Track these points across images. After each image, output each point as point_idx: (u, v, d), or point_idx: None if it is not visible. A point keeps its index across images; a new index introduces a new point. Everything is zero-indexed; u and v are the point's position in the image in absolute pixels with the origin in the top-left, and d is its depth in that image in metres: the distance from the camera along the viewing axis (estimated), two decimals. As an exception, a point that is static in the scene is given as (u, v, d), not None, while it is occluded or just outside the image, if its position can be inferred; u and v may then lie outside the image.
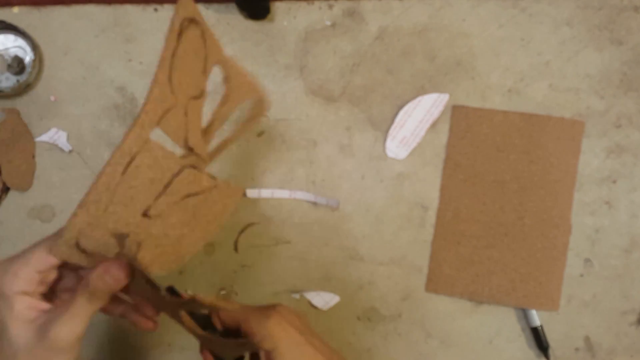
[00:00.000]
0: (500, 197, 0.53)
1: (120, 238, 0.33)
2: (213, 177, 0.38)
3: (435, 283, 0.54)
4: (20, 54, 0.54)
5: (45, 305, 0.34)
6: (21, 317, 0.33)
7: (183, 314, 0.37)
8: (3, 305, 0.33)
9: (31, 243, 0.54)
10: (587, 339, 0.54)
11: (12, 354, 0.33)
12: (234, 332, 0.38)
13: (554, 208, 0.53)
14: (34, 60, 0.53)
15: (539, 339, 0.53)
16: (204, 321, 0.39)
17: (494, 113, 0.53)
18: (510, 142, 0.53)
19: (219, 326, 0.39)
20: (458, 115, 0.54)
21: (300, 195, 0.51)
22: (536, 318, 0.52)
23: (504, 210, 0.53)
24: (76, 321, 0.33)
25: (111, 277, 0.33)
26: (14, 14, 0.55)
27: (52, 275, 0.36)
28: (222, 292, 0.54)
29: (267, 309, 0.38)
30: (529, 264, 0.53)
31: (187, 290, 0.41)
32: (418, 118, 0.54)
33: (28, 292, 0.34)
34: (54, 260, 0.34)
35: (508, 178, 0.53)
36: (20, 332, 0.33)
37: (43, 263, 0.34)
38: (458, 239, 0.53)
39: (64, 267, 0.36)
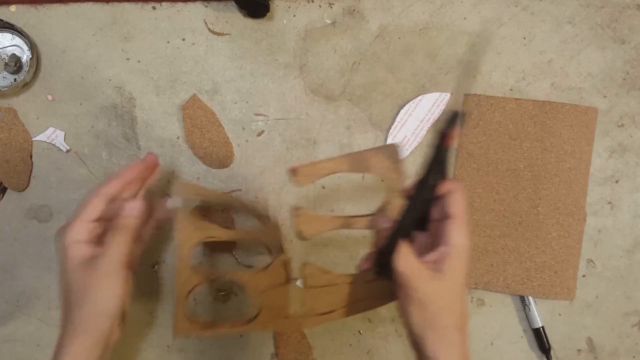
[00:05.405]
0: (514, 186, 0.52)
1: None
2: None
3: None
4: (17, 52, 0.54)
5: (95, 250, 0.42)
6: (75, 261, 0.41)
7: None
8: (62, 255, 0.41)
9: (29, 244, 0.54)
10: (589, 341, 0.53)
11: (70, 292, 0.41)
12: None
13: (568, 196, 0.52)
14: (31, 59, 0.53)
15: (541, 340, 0.52)
16: None
17: (507, 101, 0.53)
18: (524, 130, 0.52)
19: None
20: (470, 103, 0.53)
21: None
22: (538, 319, 0.52)
23: (518, 199, 0.52)
24: (115, 249, 0.41)
25: (130, 209, 0.43)
26: (11, 13, 0.54)
27: (100, 229, 0.43)
28: (221, 294, 0.54)
29: None
30: (544, 253, 0.52)
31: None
32: (419, 117, 0.53)
33: (80, 241, 0.41)
34: (100, 210, 0.43)
35: (522, 166, 0.52)
36: (74, 273, 0.41)
37: (93, 213, 0.42)
38: (472, 228, 0.53)
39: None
